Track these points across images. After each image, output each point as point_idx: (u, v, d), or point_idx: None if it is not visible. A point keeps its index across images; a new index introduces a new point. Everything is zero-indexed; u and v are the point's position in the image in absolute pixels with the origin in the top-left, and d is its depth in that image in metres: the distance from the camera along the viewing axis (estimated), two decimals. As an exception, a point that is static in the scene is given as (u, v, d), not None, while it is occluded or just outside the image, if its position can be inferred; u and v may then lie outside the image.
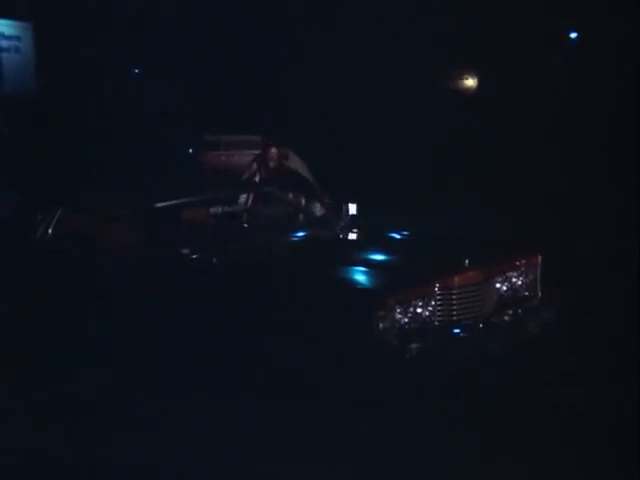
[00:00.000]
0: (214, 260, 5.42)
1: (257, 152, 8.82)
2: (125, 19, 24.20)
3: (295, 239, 6.22)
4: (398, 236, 6.23)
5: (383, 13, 21.61)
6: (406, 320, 4.78)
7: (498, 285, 5.42)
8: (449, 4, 20.62)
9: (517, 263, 5.61)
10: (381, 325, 4.65)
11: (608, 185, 13.25)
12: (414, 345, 4.74)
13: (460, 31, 20.43)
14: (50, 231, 6.18)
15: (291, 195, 7.26)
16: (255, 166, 8.25)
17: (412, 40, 21.12)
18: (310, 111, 22.71)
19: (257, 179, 8.07)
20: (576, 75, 18.50)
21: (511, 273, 5.55)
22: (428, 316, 4.91)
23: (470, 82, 23.45)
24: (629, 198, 11.60)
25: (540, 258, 5.75)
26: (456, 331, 4.99)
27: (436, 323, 4.95)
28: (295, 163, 8.32)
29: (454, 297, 5.03)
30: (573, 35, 20.68)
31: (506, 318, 5.34)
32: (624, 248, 8.86)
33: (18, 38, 22.24)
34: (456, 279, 5.07)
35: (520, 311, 5.46)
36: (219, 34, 24.77)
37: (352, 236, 6.39)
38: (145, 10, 24.26)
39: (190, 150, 22.54)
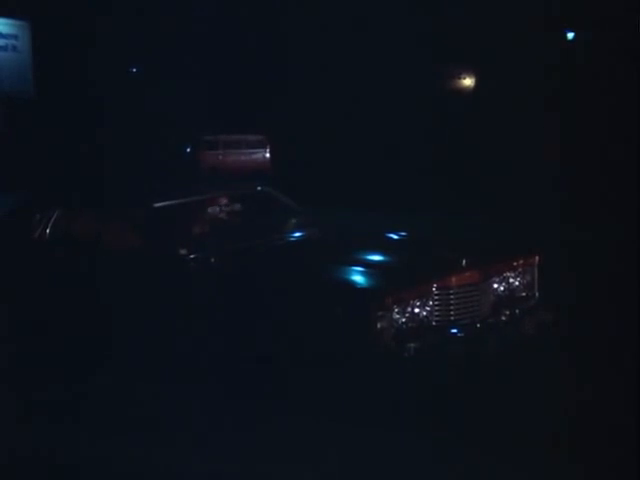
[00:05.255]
0: (212, 260, 5.43)
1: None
2: (124, 18, 24.16)
3: (293, 239, 6.22)
4: (396, 236, 6.23)
5: (382, 13, 21.60)
6: (404, 320, 4.79)
7: (496, 285, 5.43)
8: (448, 3, 20.63)
9: (515, 263, 5.62)
10: (379, 325, 4.66)
11: (608, 185, 13.27)
12: (412, 345, 4.74)
13: (459, 31, 20.43)
14: (48, 231, 6.18)
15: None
16: None
17: (410, 40, 21.12)
18: (309, 111, 22.70)
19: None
20: (576, 75, 18.52)
21: (509, 273, 5.56)
22: (426, 316, 4.91)
23: (468, 82, 23.46)
24: (629, 198, 11.61)
25: (538, 258, 5.76)
26: (454, 331, 5.00)
27: (434, 323, 4.96)
28: None
29: (452, 297, 5.04)
30: (571, 35, 20.69)
31: (504, 318, 5.35)
32: (624, 248, 8.87)
33: (15, 37, 22.22)
34: (454, 279, 5.08)
35: (518, 311, 5.47)
36: (218, 34, 24.75)
37: (350, 236, 6.38)
38: (145, 10, 24.24)
39: (188, 150, 22.54)
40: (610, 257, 8.70)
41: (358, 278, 5.08)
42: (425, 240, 6.46)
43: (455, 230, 10.11)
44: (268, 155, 23.30)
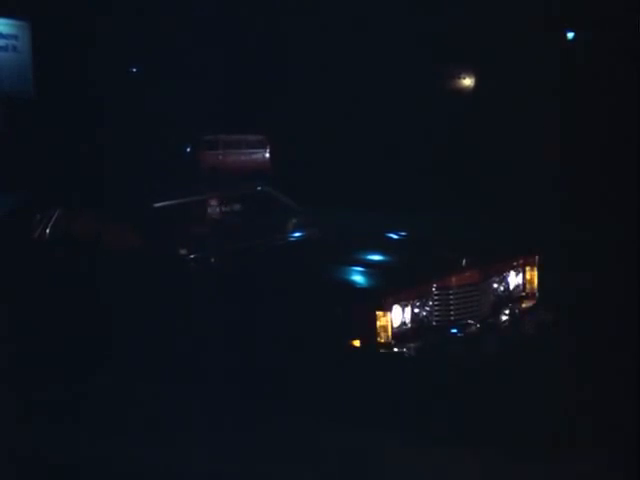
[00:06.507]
0: (212, 260, 5.43)
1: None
2: (124, 18, 24.13)
3: (293, 239, 6.22)
4: (396, 236, 6.23)
5: (382, 13, 21.60)
6: (404, 320, 4.79)
7: (496, 285, 5.43)
8: (448, 3, 20.62)
9: (515, 263, 5.62)
10: (379, 325, 4.66)
11: (608, 185, 13.27)
12: (412, 345, 4.74)
13: (459, 31, 20.42)
14: (48, 231, 6.18)
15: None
16: None
17: (410, 40, 21.10)
18: (309, 111, 22.68)
19: None
20: (576, 75, 18.50)
21: (509, 273, 5.56)
22: (426, 316, 4.91)
23: (468, 82, 23.45)
24: (629, 198, 11.61)
25: (538, 258, 5.76)
26: (454, 331, 5.00)
27: (434, 323, 4.96)
28: None
29: (452, 297, 5.03)
30: (571, 35, 20.69)
31: (504, 318, 5.35)
32: (624, 248, 8.86)
33: (15, 37, 22.21)
34: (454, 279, 5.08)
35: (517, 311, 5.47)
36: (218, 34, 24.72)
37: (350, 236, 6.38)
38: (145, 10, 24.21)
39: (188, 149, 22.54)
40: (610, 257, 8.70)
41: (358, 278, 5.08)
42: (425, 240, 6.46)
43: (455, 230, 10.11)
44: (268, 155, 23.30)
